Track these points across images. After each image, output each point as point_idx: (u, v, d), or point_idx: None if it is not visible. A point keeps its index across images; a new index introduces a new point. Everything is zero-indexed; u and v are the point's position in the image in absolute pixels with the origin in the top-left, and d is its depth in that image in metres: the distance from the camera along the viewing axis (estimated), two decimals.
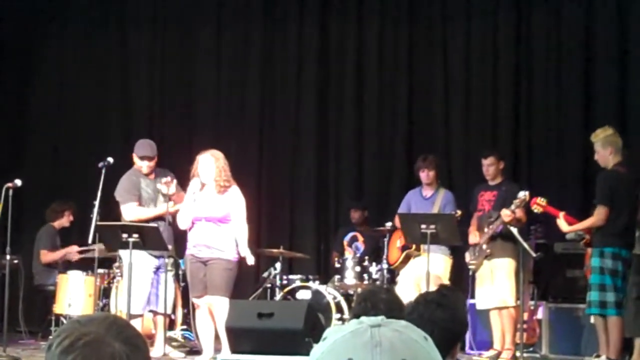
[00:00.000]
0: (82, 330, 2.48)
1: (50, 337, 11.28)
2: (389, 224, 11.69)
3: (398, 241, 11.48)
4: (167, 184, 10.36)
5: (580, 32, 13.27)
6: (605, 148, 9.90)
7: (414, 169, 11.62)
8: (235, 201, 10.20)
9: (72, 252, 12.55)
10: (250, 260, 10.37)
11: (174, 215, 10.39)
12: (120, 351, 2.44)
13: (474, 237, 10.95)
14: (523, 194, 10.37)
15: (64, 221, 13.02)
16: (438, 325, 4.06)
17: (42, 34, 14.84)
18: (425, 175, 11.31)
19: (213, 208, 10.10)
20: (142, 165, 10.73)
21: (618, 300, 9.67)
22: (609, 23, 13.14)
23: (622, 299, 9.70)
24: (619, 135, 10.08)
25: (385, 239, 11.93)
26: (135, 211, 10.57)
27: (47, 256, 12.75)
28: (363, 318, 1.62)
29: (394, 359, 1.53)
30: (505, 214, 10.44)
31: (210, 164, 10.14)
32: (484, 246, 10.79)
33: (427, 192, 11.41)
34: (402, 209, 11.44)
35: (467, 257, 11.01)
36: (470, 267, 11.01)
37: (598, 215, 9.70)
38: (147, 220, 10.48)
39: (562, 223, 10.19)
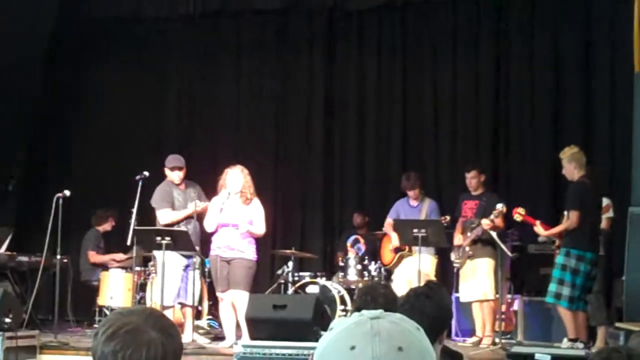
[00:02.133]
0: (124, 321, 2.52)
1: (95, 326, 11.38)
2: (384, 229, 11.81)
3: (390, 245, 11.57)
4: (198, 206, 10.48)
5: (551, 63, 13.30)
6: (570, 163, 9.94)
7: (401, 187, 11.67)
8: (256, 212, 10.27)
9: (115, 260, 12.55)
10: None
11: (201, 213, 10.43)
12: (156, 339, 2.48)
13: (458, 239, 11.03)
14: (500, 206, 10.48)
15: (107, 226, 13.05)
16: (426, 314, 4.11)
17: (88, 67, 14.86)
18: (412, 193, 11.47)
19: (238, 216, 10.15)
20: (174, 176, 10.78)
21: (572, 295, 9.70)
22: (575, 54, 13.18)
23: (579, 295, 9.73)
24: (583, 153, 10.10)
25: (379, 241, 12.02)
26: (169, 215, 10.64)
27: (93, 257, 12.77)
28: (364, 311, 1.62)
29: (390, 347, 1.53)
30: (485, 222, 10.54)
31: (238, 177, 10.22)
32: (467, 248, 10.86)
33: (414, 202, 11.53)
34: (391, 216, 11.56)
35: (453, 256, 11.09)
36: (455, 265, 11.08)
37: (572, 219, 9.73)
38: (179, 221, 10.58)
39: (539, 229, 10.30)
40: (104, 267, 12.43)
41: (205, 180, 11.06)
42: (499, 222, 10.62)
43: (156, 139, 14.42)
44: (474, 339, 10.98)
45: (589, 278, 9.82)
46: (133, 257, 10.95)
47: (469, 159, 12.70)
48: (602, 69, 12.98)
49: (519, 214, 10.47)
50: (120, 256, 12.50)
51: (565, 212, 9.89)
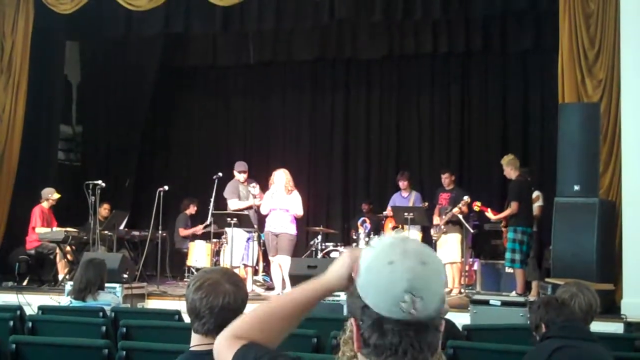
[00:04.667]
0: (207, 276, 2.59)
1: (185, 280, 11.45)
2: (384, 213, 11.87)
3: (390, 224, 11.63)
4: (257, 193, 10.57)
5: (499, 98, 13.32)
6: (508, 166, 9.98)
7: (396, 180, 11.76)
8: (296, 200, 10.30)
9: (198, 230, 12.60)
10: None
11: (258, 206, 10.48)
12: (229, 289, 2.54)
13: (436, 220, 11.03)
14: (466, 198, 10.51)
15: (191, 210, 13.06)
16: None
17: (180, 99, 14.96)
18: (402, 184, 11.59)
19: (283, 203, 10.20)
20: (240, 176, 10.85)
21: (522, 258, 9.68)
22: (517, 89, 13.20)
23: (525, 258, 9.73)
24: (518, 158, 10.14)
25: (383, 222, 12.05)
26: (236, 204, 10.69)
27: (183, 232, 12.83)
28: (394, 234, 1.62)
29: (417, 261, 1.53)
30: (456, 210, 10.54)
31: (282, 177, 10.28)
32: (442, 226, 10.86)
33: (405, 194, 11.59)
34: (390, 204, 11.59)
35: (432, 232, 11.07)
36: (433, 238, 11.06)
37: (513, 207, 9.75)
38: (243, 209, 10.61)
39: (490, 215, 10.31)
40: (191, 239, 12.50)
41: (261, 178, 11.11)
42: (464, 208, 10.65)
43: (227, 150, 14.45)
44: (446, 290, 10.99)
45: (528, 246, 9.83)
46: (211, 232, 11.04)
47: (442, 164, 12.74)
48: (535, 100, 12.99)
49: (477, 206, 10.51)
50: (199, 228, 12.54)
51: (509, 202, 9.93)
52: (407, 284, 1.50)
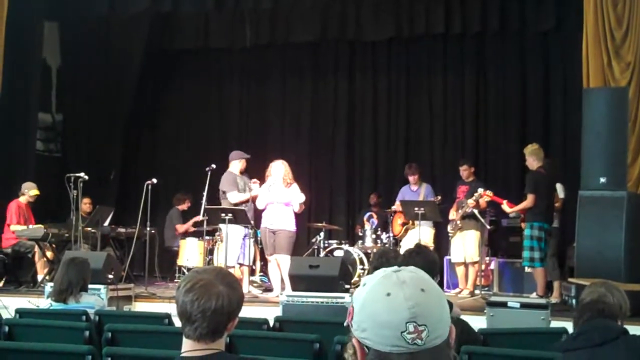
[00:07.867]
0: (199, 277, 2.57)
1: (176, 280, 11.45)
2: (392, 208, 11.84)
3: (399, 220, 11.63)
4: (254, 184, 10.57)
5: (518, 83, 13.29)
6: (531, 156, 9.95)
7: (404, 173, 11.74)
8: (295, 194, 10.28)
9: (197, 222, 12.60)
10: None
11: (254, 198, 10.45)
12: (223, 291, 2.53)
13: (452, 215, 11.06)
14: (480, 191, 10.47)
15: (184, 206, 13.09)
16: (417, 266, 4.14)
17: (170, 85, 14.95)
18: (412, 178, 11.61)
19: (281, 197, 10.19)
20: (238, 165, 10.86)
21: (541, 256, 9.68)
22: (537, 75, 13.15)
23: (544, 256, 9.73)
24: (542, 149, 10.10)
25: (391, 217, 12.06)
26: (237, 196, 10.63)
27: (180, 229, 12.78)
28: (385, 268, 1.60)
29: (415, 289, 1.51)
30: (470, 202, 10.56)
31: (280, 168, 10.27)
32: (458, 222, 10.88)
33: (414, 187, 11.63)
34: (398, 199, 11.64)
35: (449, 228, 11.11)
36: (449, 234, 11.09)
37: (528, 200, 9.77)
38: (244, 202, 10.59)
39: (505, 207, 10.30)
40: (182, 235, 12.49)
41: (257, 170, 11.08)
42: (482, 203, 10.64)
43: (220, 139, 14.45)
44: (457, 290, 11.06)
45: (547, 244, 9.83)
46: (204, 229, 11.02)
47: (456, 154, 12.75)
48: (557, 85, 12.96)
49: (487, 196, 10.52)
50: (197, 218, 12.48)
51: (525, 194, 9.94)
52: (409, 313, 1.48)
